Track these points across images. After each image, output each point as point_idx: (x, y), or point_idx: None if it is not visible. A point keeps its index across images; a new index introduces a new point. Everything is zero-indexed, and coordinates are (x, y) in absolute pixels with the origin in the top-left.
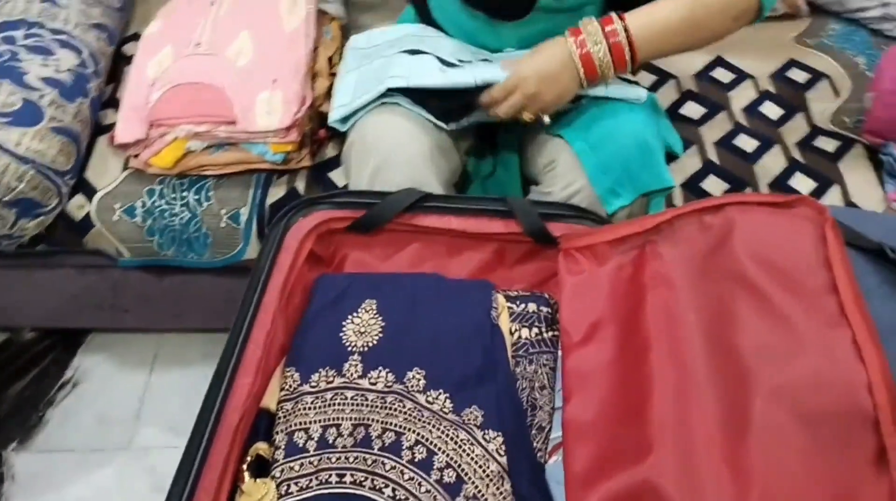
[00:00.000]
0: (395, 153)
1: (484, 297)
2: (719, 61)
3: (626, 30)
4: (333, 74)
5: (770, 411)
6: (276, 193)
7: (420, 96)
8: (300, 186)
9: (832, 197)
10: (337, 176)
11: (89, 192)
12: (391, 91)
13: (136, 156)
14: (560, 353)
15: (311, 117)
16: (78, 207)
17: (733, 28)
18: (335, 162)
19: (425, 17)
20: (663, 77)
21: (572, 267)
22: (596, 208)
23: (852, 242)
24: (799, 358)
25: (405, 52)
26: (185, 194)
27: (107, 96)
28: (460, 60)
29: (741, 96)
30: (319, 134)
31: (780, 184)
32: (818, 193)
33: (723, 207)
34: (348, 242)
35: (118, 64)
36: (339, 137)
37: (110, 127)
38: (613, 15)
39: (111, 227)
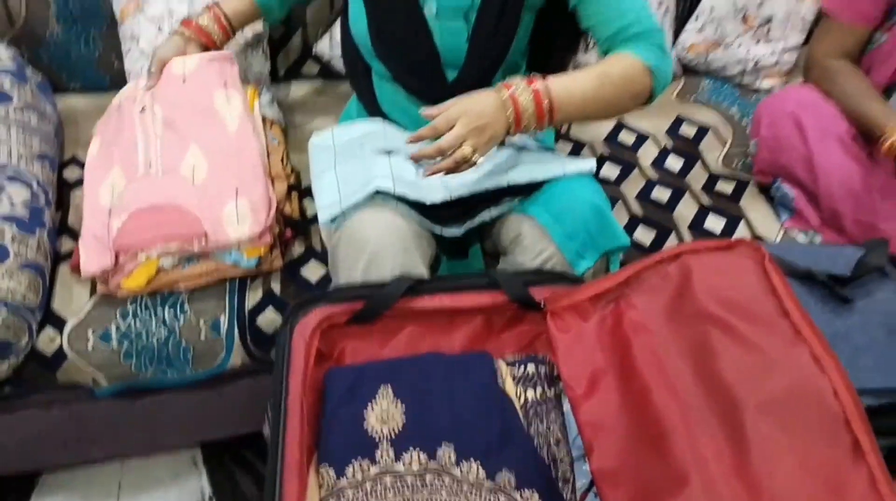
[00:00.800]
0: (386, 245)
1: (487, 366)
2: (621, 126)
3: (547, 89)
4: (289, 175)
5: (760, 424)
6: (254, 297)
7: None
8: (276, 287)
9: (741, 232)
10: (308, 272)
11: (58, 323)
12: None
13: (104, 281)
14: (567, 407)
15: (278, 219)
16: (49, 340)
17: (630, 107)
18: (304, 259)
19: (374, 110)
20: (578, 145)
21: (561, 326)
22: (567, 272)
23: (787, 271)
24: (772, 376)
25: (380, 152)
26: (159, 310)
27: (57, 224)
28: None
29: (647, 154)
30: (286, 234)
31: (697, 226)
32: (729, 229)
33: (678, 256)
34: (345, 334)
35: (61, 189)
36: (304, 235)
37: (68, 255)
38: (538, 76)
39: (86, 356)
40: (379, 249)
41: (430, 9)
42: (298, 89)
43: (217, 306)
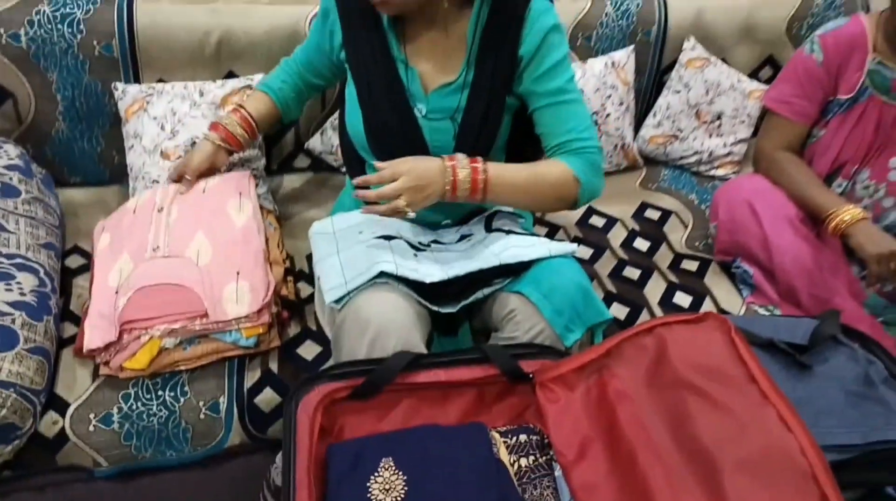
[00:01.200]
0: (389, 322)
1: (482, 437)
2: (591, 211)
3: (485, 170)
4: (285, 260)
5: (737, 482)
6: (252, 376)
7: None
8: (274, 366)
9: (707, 306)
10: (305, 351)
11: (61, 407)
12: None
13: (106, 363)
14: (559, 472)
15: (275, 300)
16: (51, 424)
17: (555, 208)
18: (301, 339)
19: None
20: (554, 228)
21: (550, 396)
22: (556, 345)
23: (751, 341)
24: (745, 437)
25: (380, 237)
26: (160, 392)
27: (60, 309)
28: (420, 243)
29: (616, 237)
30: (283, 315)
31: (666, 302)
32: (696, 304)
33: (653, 328)
34: (344, 410)
35: (63, 277)
36: (299, 316)
37: (71, 339)
38: (479, 159)
39: (87, 438)
40: (383, 326)
41: (420, 110)
42: (291, 181)
43: (217, 386)
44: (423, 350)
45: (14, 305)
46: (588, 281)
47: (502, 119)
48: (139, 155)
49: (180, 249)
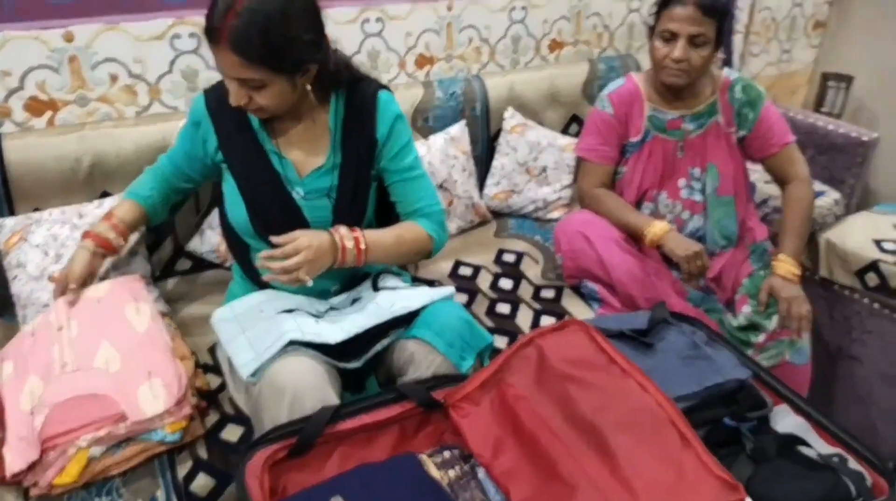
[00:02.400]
0: (304, 384)
1: (414, 463)
2: (458, 263)
3: (364, 238)
4: (192, 354)
5: (618, 439)
6: (184, 466)
7: (314, 344)
8: (202, 453)
9: None
10: (228, 434)
11: None
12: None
13: (34, 484)
14: (482, 473)
15: (193, 392)
16: None
17: (416, 259)
18: (221, 424)
19: (258, 282)
20: (429, 282)
21: (461, 413)
22: (454, 373)
23: (605, 334)
24: (616, 404)
25: (280, 312)
26: (96, 500)
27: None
28: (318, 311)
29: (484, 281)
30: (201, 405)
31: (535, 326)
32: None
33: (531, 341)
34: (284, 469)
35: None
36: (215, 404)
37: None
38: (357, 228)
39: None
40: (299, 389)
41: (298, 192)
42: (176, 285)
43: (152, 483)
44: (338, 402)
45: None
46: (469, 315)
47: (369, 193)
48: (25, 283)
49: (88, 361)
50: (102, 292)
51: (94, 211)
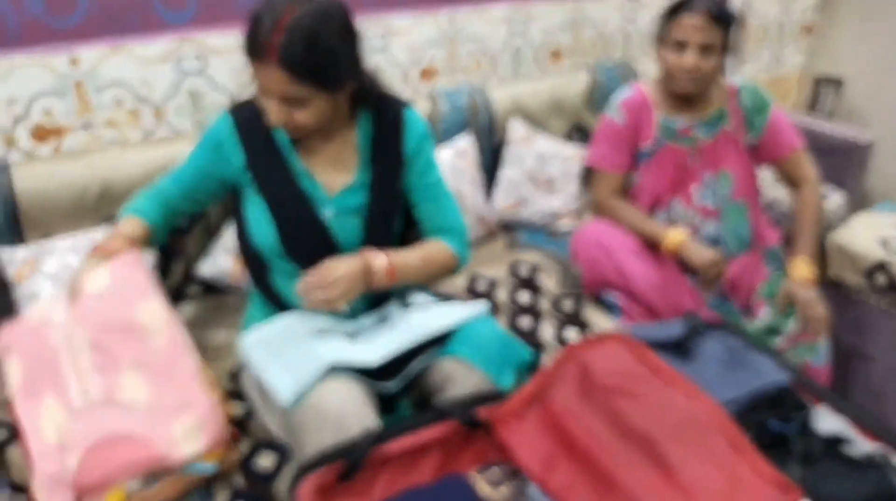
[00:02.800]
0: (348, 408)
1: (463, 485)
2: (474, 278)
3: (393, 261)
4: (218, 380)
5: (674, 449)
6: (223, 496)
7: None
8: (239, 481)
9: (589, 332)
10: (263, 461)
11: None
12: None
13: None
14: (531, 489)
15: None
16: None
17: (440, 278)
18: (255, 451)
19: (280, 305)
20: (448, 296)
21: (507, 429)
22: (494, 389)
23: (646, 343)
24: (666, 414)
25: (314, 335)
26: None
27: None
28: (349, 331)
29: (501, 294)
30: (234, 433)
31: (560, 338)
32: (581, 334)
33: (570, 356)
34: (332, 494)
35: None
36: (245, 432)
37: None
38: (382, 252)
39: None
40: (342, 413)
41: (328, 212)
42: (186, 311)
43: None
44: (379, 425)
45: None
46: (504, 331)
47: (399, 210)
48: None
49: (112, 390)
50: (102, 285)
51: (102, 236)
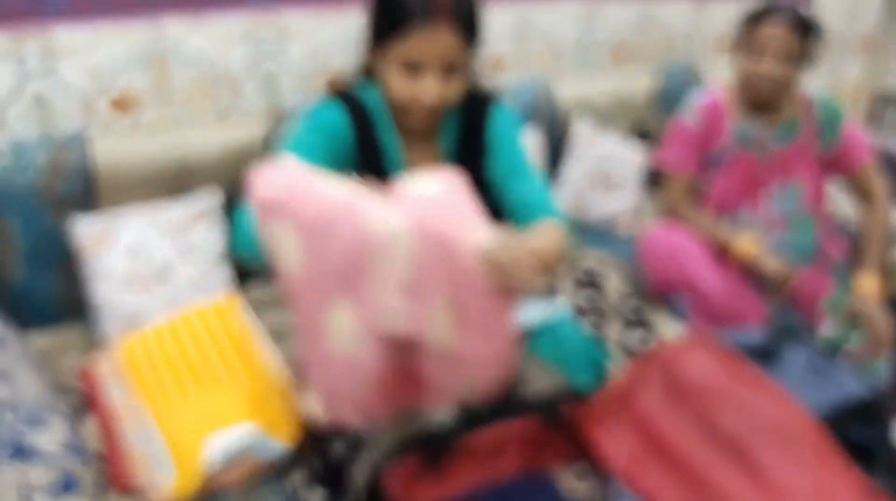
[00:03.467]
0: None
1: (546, 480)
2: None
3: None
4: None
5: (767, 454)
6: (299, 479)
7: None
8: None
9: (655, 336)
10: (337, 447)
11: None
12: None
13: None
14: (616, 486)
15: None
16: None
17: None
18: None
19: None
20: None
21: (592, 429)
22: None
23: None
24: (758, 419)
25: None
26: None
27: None
28: None
29: (563, 295)
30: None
31: (623, 339)
32: (646, 337)
33: (654, 359)
34: (414, 481)
35: None
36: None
37: None
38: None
39: None
40: None
41: None
42: (253, 292)
43: (269, 496)
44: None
45: (65, 446)
46: (582, 331)
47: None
48: (110, 287)
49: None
50: (435, 190)
51: (178, 214)
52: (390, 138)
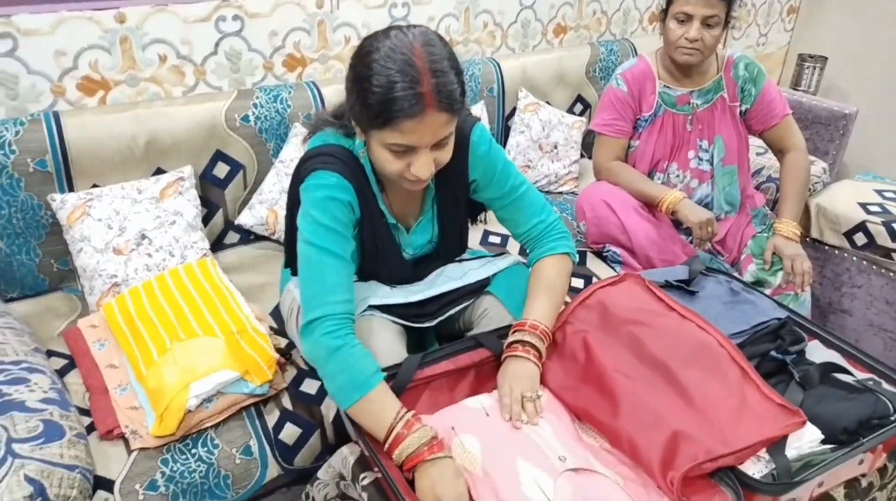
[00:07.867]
0: (381, 345)
1: None
2: (487, 233)
3: (541, 325)
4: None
5: (688, 374)
6: (272, 417)
7: (388, 308)
8: (287, 404)
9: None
10: (307, 387)
11: (107, 485)
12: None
13: (137, 436)
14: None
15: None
16: None
17: (568, 282)
18: (299, 378)
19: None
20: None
21: None
22: None
23: (657, 283)
24: (681, 344)
25: (357, 282)
26: (194, 450)
27: None
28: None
29: (513, 249)
30: (281, 361)
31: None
32: (586, 284)
33: (591, 294)
34: None
35: None
36: (289, 361)
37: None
38: (526, 321)
39: None
40: (377, 349)
41: (407, 253)
42: (228, 256)
43: (244, 433)
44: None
45: (44, 401)
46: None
47: (466, 225)
48: (90, 256)
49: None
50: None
51: (151, 186)
52: (376, 189)
